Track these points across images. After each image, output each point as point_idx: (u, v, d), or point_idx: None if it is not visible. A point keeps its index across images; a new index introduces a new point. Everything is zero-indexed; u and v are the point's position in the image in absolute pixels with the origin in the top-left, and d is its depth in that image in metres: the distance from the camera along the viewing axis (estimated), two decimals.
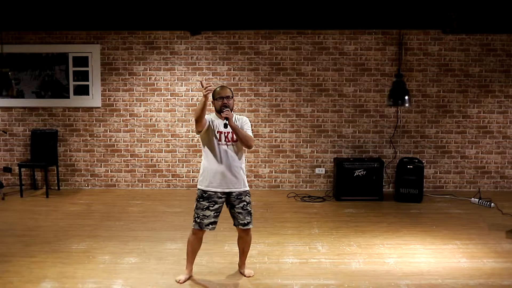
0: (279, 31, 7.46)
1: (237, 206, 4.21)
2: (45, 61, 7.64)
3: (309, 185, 7.78)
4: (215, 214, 4.21)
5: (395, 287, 4.26)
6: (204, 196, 4.21)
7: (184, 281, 4.33)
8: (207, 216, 4.19)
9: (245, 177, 4.28)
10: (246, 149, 4.27)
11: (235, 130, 4.09)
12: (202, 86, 3.94)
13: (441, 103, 7.63)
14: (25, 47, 7.61)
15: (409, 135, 7.69)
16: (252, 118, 7.64)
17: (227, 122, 4.01)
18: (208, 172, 4.19)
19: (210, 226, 4.22)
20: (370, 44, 7.54)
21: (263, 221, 6.14)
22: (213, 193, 4.18)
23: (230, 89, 4.27)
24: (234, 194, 4.20)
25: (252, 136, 4.22)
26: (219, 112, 4.16)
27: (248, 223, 4.24)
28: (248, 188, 4.29)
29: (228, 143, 4.17)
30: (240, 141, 4.14)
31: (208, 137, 4.18)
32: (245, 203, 4.22)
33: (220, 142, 4.16)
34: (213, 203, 4.19)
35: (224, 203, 4.27)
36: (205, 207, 4.19)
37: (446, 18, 4.98)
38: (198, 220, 4.22)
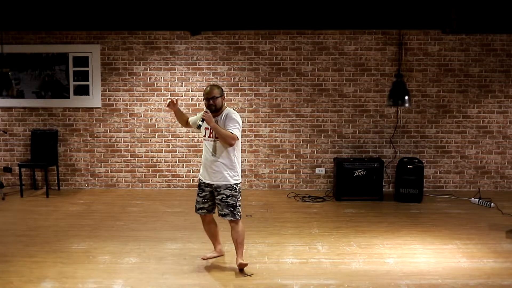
0: (279, 31, 7.46)
1: (216, 197, 4.52)
2: (45, 61, 7.64)
3: (309, 185, 7.78)
4: (203, 200, 4.61)
5: (395, 287, 4.26)
6: (198, 183, 4.68)
7: (208, 258, 4.80)
8: (197, 202, 4.66)
9: (232, 172, 4.46)
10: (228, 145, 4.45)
11: (214, 129, 4.38)
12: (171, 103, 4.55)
13: (441, 103, 7.63)
14: (25, 47, 7.61)
15: (409, 135, 7.69)
16: (252, 118, 7.65)
17: (201, 123, 4.40)
18: (202, 162, 4.61)
19: (200, 211, 4.67)
20: (370, 44, 7.54)
21: (263, 221, 6.14)
22: (202, 182, 4.61)
23: (218, 87, 4.51)
24: (213, 186, 4.50)
25: (234, 134, 4.38)
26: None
27: (225, 215, 4.49)
28: (230, 183, 4.46)
29: (211, 139, 4.47)
30: (219, 139, 4.41)
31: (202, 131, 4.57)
32: (224, 196, 4.45)
33: (205, 137, 4.52)
34: (201, 190, 4.62)
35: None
36: (197, 193, 4.67)
37: (446, 18, 4.98)
38: (195, 205, 4.71)
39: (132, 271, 4.56)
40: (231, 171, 4.46)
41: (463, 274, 4.52)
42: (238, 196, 4.48)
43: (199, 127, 4.41)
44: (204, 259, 4.81)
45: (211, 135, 4.45)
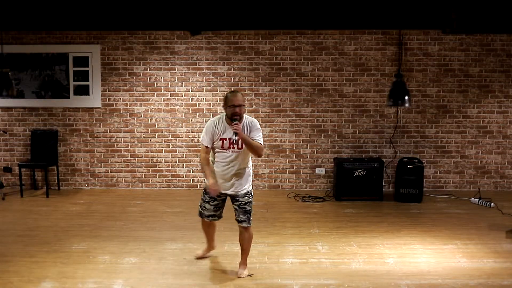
0: (279, 31, 7.46)
1: (234, 203, 4.42)
2: (45, 61, 7.64)
3: (309, 185, 7.78)
4: (215, 209, 4.50)
5: (395, 287, 4.26)
6: (207, 191, 4.46)
7: (201, 257, 4.82)
8: (207, 209, 4.52)
9: (249, 178, 4.40)
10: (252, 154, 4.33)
11: (244, 141, 4.16)
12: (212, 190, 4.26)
13: (441, 103, 7.63)
14: (25, 47, 7.61)
15: (409, 135, 7.69)
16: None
17: (235, 137, 4.13)
18: (217, 173, 4.39)
19: (210, 218, 4.56)
20: (370, 44, 7.54)
21: (263, 221, 6.14)
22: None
23: (241, 94, 4.27)
24: (231, 195, 4.40)
25: (262, 144, 4.24)
26: (229, 118, 4.22)
27: (242, 221, 4.39)
28: (247, 190, 4.38)
29: (228, 150, 4.27)
30: (249, 151, 4.25)
31: (214, 142, 4.33)
32: (243, 202, 4.36)
33: (222, 149, 4.29)
34: (213, 199, 4.46)
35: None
36: (206, 200, 4.50)
37: (446, 18, 4.98)
38: (200, 210, 4.59)
39: (132, 271, 4.56)
40: (250, 176, 4.41)
41: (463, 274, 4.52)
42: (252, 202, 4.45)
43: (233, 142, 4.17)
44: (197, 258, 4.82)
45: (231, 146, 4.23)
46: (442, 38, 7.50)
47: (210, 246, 4.90)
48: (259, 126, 4.29)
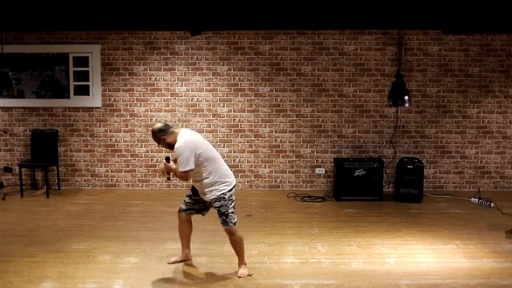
0: (279, 31, 7.46)
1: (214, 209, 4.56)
2: (45, 61, 7.64)
3: (309, 185, 7.78)
4: (193, 201, 4.64)
5: (395, 287, 4.26)
6: (193, 187, 4.67)
7: (174, 262, 4.74)
8: (186, 203, 4.67)
9: (216, 185, 4.42)
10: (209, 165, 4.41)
11: (174, 175, 4.45)
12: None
13: (441, 103, 7.63)
14: (25, 47, 7.61)
15: (409, 135, 7.69)
16: (252, 118, 7.65)
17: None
18: None
19: (188, 211, 4.68)
20: (370, 44, 7.54)
21: (263, 221, 6.14)
22: (197, 190, 4.63)
23: (154, 132, 4.41)
24: (207, 202, 4.57)
25: (183, 171, 4.28)
26: None
27: (221, 224, 4.49)
28: (215, 196, 4.42)
29: None
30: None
31: None
32: (215, 207, 4.49)
33: None
34: (194, 194, 4.63)
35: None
36: (188, 194, 4.69)
37: (446, 18, 4.98)
38: (180, 205, 4.73)
39: (132, 271, 4.56)
40: (215, 185, 4.41)
41: (463, 274, 4.53)
42: (228, 204, 4.43)
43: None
44: (169, 263, 4.75)
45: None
46: (442, 38, 7.50)
47: (185, 253, 4.82)
48: (180, 151, 4.28)
